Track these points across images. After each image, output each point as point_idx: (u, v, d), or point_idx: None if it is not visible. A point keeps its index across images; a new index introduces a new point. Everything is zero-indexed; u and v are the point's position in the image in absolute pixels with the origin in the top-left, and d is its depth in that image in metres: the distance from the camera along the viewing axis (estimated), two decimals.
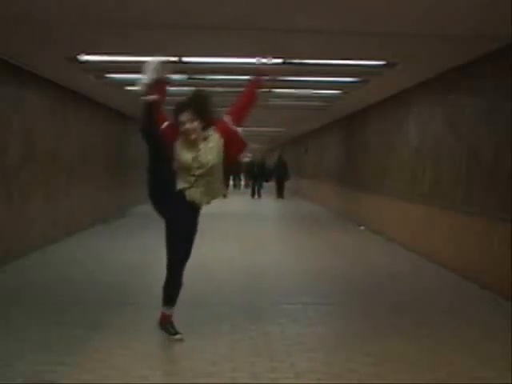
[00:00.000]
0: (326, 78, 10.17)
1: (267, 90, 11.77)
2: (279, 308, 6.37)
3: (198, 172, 4.93)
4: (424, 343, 5.20)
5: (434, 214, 9.28)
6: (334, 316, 6.13)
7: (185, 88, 11.69)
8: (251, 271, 8.28)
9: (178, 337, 5.09)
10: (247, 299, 6.70)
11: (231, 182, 33.33)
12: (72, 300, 6.57)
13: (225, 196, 20.83)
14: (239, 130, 5.13)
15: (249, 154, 38.42)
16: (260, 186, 28.08)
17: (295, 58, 8.39)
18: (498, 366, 4.65)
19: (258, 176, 28.28)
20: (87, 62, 8.79)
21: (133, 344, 5.01)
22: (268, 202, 24.10)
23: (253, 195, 27.06)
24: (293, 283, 7.68)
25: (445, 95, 9.03)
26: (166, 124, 5.20)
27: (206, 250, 9.02)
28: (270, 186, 32.26)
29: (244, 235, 12.49)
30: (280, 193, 27.15)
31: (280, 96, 12.72)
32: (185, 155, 4.94)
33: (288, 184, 31.47)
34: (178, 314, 5.73)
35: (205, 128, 5.01)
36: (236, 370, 4.46)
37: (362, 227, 13.89)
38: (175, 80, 10.76)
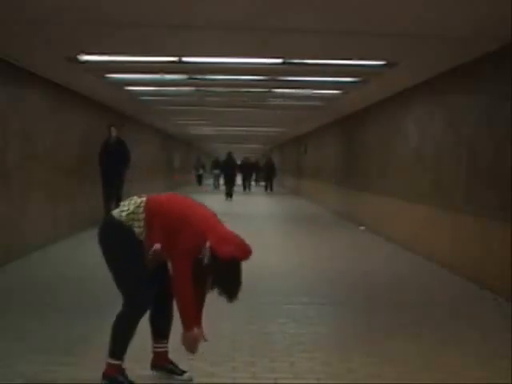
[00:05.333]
0: (325, 78, 10.17)
1: (267, 89, 11.79)
2: (279, 308, 6.37)
3: None
4: (424, 343, 5.20)
5: (434, 214, 9.28)
6: (334, 316, 6.13)
7: (185, 88, 11.76)
8: (251, 271, 8.26)
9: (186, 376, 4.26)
10: (247, 299, 6.69)
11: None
12: (72, 300, 6.57)
13: None
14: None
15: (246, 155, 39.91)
16: (250, 182, 34.92)
17: (295, 58, 8.39)
18: (498, 366, 4.65)
19: (250, 174, 35.17)
20: (87, 61, 8.79)
21: (133, 344, 5.00)
22: (265, 201, 24.09)
23: (244, 189, 33.46)
24: (293, 283, 7.68)
25: (445, 95, 9.03)
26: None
27: None
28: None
29: (243, 235, 12.47)
30: (270, 187, 33.82)
31: (280, 96, 12.72)
32: None
33: (287, 184, 32.41)
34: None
35: None
36: (236, 370, 4.46)
37: (363, 227, 13.89)
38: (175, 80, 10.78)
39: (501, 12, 5.62)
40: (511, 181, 6.81)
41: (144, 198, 4.03)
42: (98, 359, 4.64)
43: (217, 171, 37.88)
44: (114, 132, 12.89)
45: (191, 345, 3.99)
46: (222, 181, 38.32)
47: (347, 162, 16.44)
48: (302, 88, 11.47)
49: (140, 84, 11.53)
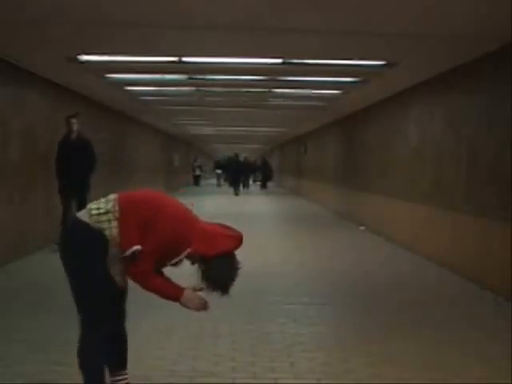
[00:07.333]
0: (325, 78, 10.17)
1: (267, 89, 11.79)
2: (279, 308, 6.37)
3: None
4: (424, 343, 5.20)
5: (434, 214, 9.28)
6: (334, 316, 6.13)
7: (185, 88, 11.76)
8: (251, 271, 8.28)
9: None
10: (247, 299, 6.69)
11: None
12: (72, 300, 6.56)
13: None
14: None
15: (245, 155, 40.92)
16: (249, 181, 37.54)
17: (295, 58, 8.39)
18: (498, 366, 4.65)
19: (248, 174, 37.39)
20: (87, 61, 8.79)
21: (133, 344, 5.00)
22: (265, 200, 24.10)
23: (243, 187, 34.13)
24: (293, 283, 7.68)
25: (445, 95, 9.03)
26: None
27: None
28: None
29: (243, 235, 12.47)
30: (264, 185, 36.65)
31: (280, 96, 12.73)
32: None
33: (287, 184, 32.68)
34: (179, 315, 5.73)
35: None
36: (236, 370, 4.46)
37: (363, 227, 13.89)
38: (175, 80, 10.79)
39: (501, 12, 5.62)
40: (511, 181, 6.81)
41: (116, 195, 3.50)
42: None
43: (219, 171, 38.52)
44: (75, 125, 9.71)
45: (195, 305, 3.45)
46: (221, 181, 38.98)
47: (347, 162, 16.44)
48: (302, 88, 11.47)
49: (140, 84, 11.53)
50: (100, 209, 3.39)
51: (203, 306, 3.48)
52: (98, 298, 3.44)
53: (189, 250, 3.38)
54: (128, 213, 3.38)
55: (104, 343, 3.51)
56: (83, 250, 3.37)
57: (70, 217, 3.61)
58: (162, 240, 3.35)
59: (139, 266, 3.35)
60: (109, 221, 3.36)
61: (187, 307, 3.48)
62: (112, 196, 3.49)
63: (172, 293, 3.43)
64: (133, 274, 3.41)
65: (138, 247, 3.32)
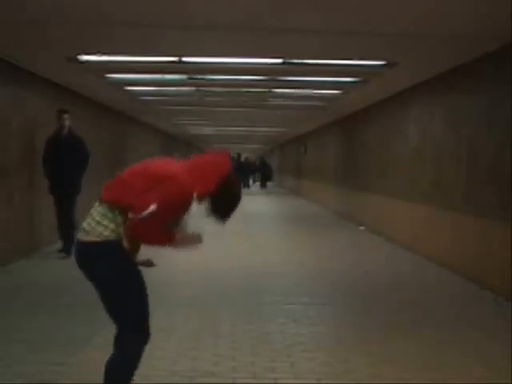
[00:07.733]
0: (326, 78, 10.17)
1: (267, 89, 11.79)
2: (279, 308, 6.37)
3: None
4: (424, 343, 5.20)
5: (434, 214, 9.28)
6: (334, 316, 6.14)
7: (185, 88, 11.76)
8: (251, 271, 8.28)
9: None
10: (247, 299, 6.70)
11: None
12: (73, 300, 6.57)
13: None
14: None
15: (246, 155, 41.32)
16: (249, 181, 38.79)
17: (295, 58, 8.39)
18: (498, 366, 4.65)
19: (248, 174, 38.69)
20: (87, 61, 8.79)
21: None
22: (265, 200, 24.11)
23: (243, 186, 33.91)
24: (293, 283, 7.68)
25: (445, 95, 9.03)
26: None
27: (204, 250, 9.00)
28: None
29: (243, 235, 12.48)
30: (263, 185, 37.39)
31: (280, 96, 12.73)
32: None
33: (287, 184, 32.92)
34: (179, 315, 5.75)
35: None
36: (236, 370, 4.46)
37: (362, 227, 13.89)
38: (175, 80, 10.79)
39: (501, 12, 5.62)
40: (511, 181, 6.81)
41: (99, 201, 3.41)
42: (98, 359, 4.64)
43: None
44: (67, 121, 9.22)
45: (189, 241, 3.48)
46: None
47: (347, 162, 16.44)
48: (302, 88, 11.47)
49: (140, 84, 11.53)
50: (102, 222, 3.32)
51: (197, 240, 3.47)
52: (141, 300, 3.42)
53: (194, 199, 3.32)
54: (124, 198, 3.33)
55: (144, 343, 3.45)
56: (113, 266, 3.32)
57: (77, 242, 3.41)
58: (165, 205, 3.23)
59: (147, 226, 3.25)
60: (113, 229, 3.31)
61: (184, 247, 3.46)
62: (97, 204, 3.40)
63: (166, 240, 3.39)
64: (138, 235, 3.33)
65: (153, 207, 3.21)
